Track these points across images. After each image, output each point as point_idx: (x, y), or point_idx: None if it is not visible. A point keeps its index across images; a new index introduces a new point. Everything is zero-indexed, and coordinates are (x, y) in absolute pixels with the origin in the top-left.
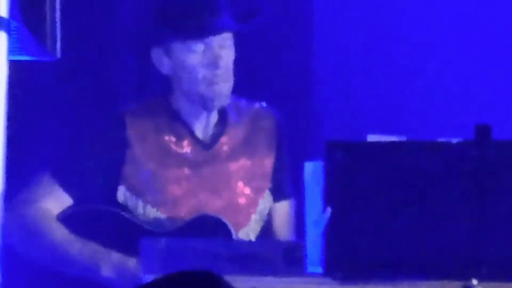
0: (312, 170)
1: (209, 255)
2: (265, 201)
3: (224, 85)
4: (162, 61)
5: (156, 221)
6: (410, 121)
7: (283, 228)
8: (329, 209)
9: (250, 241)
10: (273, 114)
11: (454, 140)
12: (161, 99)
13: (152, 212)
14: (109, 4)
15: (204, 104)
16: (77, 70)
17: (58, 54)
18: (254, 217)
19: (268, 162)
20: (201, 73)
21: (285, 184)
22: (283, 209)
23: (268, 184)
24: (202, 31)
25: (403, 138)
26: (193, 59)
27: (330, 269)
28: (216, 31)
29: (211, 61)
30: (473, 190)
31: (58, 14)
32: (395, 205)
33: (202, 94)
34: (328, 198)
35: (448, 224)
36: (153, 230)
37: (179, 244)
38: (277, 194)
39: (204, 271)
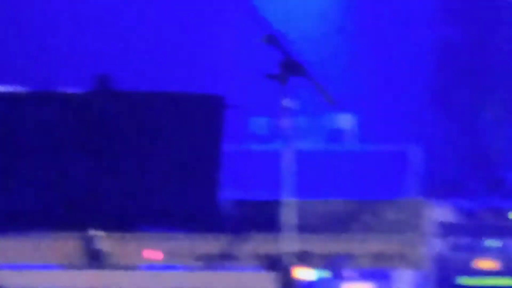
0: None
1: None
2: None
3: None
4: None
5: None
6: (29, 71)
7: None
8: None
9: None
10: None
11: (75, 90)
12: None
13: None
14: None
15: None
16: None
17: None
18: None
19: None
20: None
21: None
22: None
23: None
24: None
25: (23, 89)
26: None
27: None
28: None
29: None
30: (92, 141)
31: None
32: (15, 156)
33: None
34: None
35: (68, 175)
36: None
37: None
38: None
39: None
